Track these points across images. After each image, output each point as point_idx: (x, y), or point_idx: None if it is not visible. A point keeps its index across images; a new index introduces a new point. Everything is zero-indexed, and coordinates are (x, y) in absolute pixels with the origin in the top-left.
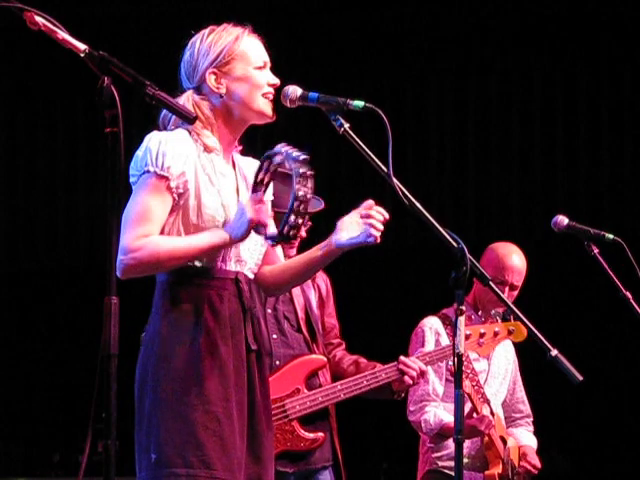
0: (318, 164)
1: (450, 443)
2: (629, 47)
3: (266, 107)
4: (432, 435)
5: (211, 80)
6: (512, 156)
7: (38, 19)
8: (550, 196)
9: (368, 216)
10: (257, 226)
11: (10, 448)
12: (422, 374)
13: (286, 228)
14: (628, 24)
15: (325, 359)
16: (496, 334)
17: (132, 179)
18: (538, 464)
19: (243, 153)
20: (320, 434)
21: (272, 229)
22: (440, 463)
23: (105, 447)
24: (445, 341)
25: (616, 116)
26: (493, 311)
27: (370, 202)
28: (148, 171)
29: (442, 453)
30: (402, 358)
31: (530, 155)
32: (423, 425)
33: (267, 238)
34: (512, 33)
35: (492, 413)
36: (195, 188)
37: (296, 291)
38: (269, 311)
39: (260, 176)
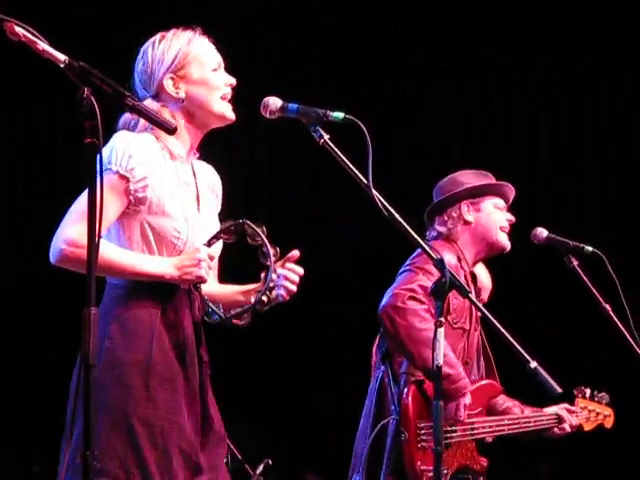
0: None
1: None
2: (629, 47)
3: (226, 110)
4: None
5: (169, 86)
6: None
7: (18, 30)
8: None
9: (284, 274)
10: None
11: None
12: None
13: (238, 320)
14: (628, 24)
15: (501, 388)
16: (598, 414)
17: None
18: None
19: (200, 158)
20: (486, 460)
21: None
22: None
23: (84, 457)
24: None
25: (617, 118)
26: (601, 394)
27: (295, 253)
28: (110, 169)
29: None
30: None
31: (532, 158)
32: None
33: (209, 314)
34: (512, 33)
35: None
36: (158, 197)
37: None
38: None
39: (226, 236)
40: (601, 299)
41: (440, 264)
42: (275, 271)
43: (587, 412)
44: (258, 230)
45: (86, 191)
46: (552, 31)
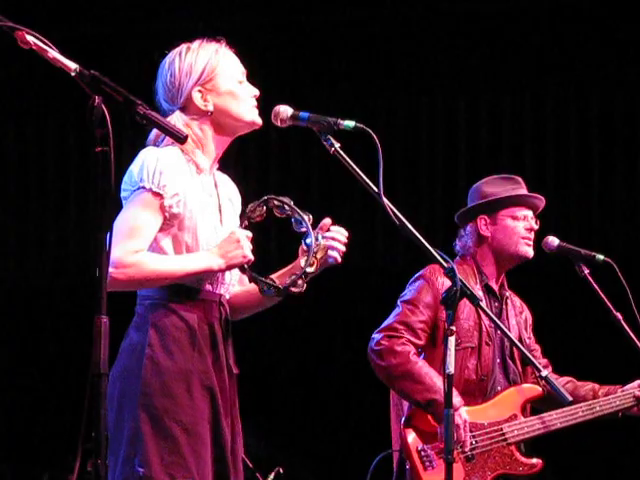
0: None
1: None
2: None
3: (255, 116)
4: None
5: (197, 98)
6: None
7: (29, 38)
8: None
9: (328, 237)
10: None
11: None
12: None
13: (294, 287)
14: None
15: (541, 390)
16: None
17: (124, 193)
18: None
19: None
20: (539, 460)
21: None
22: None
23: (95, 466)
24: None
25: (627, 121)
26: None
27: (327, 221)
28: (144, 187)
29: None
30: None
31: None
32: None
33: (264, 290)
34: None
35: None
36: (190, 210)
37: (512, 321)
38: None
39: (255, 215)
40: (612, 307)
41: (451, 273)
42: (315, 235)
43: None
44: (285, 200)
45: (122, 212)
46: (553, 33)
